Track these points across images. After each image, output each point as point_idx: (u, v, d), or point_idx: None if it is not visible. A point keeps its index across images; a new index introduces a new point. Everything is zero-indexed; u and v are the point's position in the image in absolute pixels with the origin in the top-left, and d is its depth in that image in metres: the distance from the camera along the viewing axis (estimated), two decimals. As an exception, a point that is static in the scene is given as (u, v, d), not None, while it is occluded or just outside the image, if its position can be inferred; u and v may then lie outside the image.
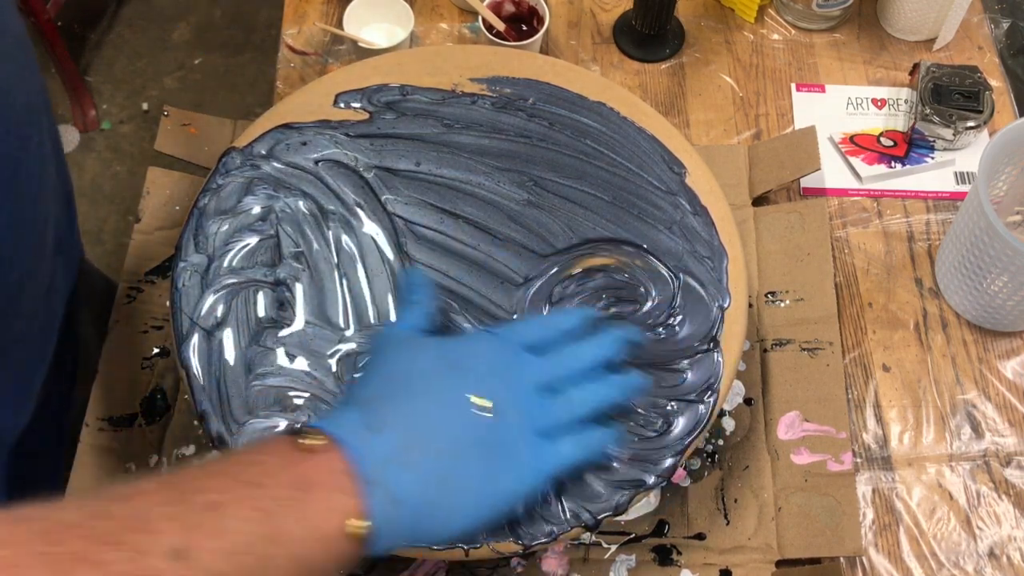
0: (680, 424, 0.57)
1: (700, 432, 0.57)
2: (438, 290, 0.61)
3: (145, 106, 1.87)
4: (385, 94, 0.68)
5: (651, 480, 0.55)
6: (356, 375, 0.56)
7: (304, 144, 0.66)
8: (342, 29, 0.87)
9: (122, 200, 1.76)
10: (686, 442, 0.56)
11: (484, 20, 0.85)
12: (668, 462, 0.56)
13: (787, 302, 0.74)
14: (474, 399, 0.47)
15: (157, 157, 0.81)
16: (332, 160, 0.65)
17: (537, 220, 0.63)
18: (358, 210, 0.64)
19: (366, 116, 0.67)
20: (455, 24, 0.92)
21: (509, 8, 0.88)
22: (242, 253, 0.62)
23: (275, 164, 0.65)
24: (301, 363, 0.58)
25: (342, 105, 0.67)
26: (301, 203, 0.64)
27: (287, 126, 0.66)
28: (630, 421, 0.57)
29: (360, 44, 0.85)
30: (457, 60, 0.70)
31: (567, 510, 0.54)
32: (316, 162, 0.65)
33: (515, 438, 0.48)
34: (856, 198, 0.83)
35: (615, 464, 0.56)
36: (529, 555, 0.64)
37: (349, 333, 0.59)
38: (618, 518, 0.65)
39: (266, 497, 0.40)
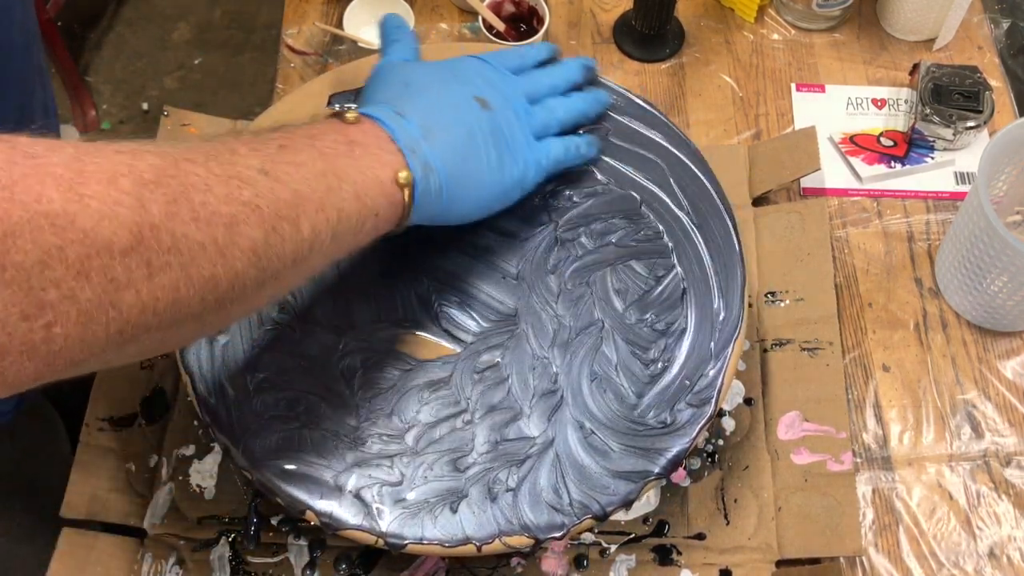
0: (685, 414, 0.57)
1: (705, 423, 0.57)
2: (442, 288, 0.61)
3: (145, 106, 1.87)
4: None
5: (657, 470, 0.56)
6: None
7: None
8: (342, 29, 0.87)
9: (122, 200, 1.76)
10: (692, 432, 0.57)
11: (484, 20, 0.85)
12: (674, 451, 0.56)
13: (787, 302, 0.74)
14: (476, 98, 0.56)
15: (157, 157, 0.80)
16: None
17: (537, 216, 0.63)
18: None
19: None
20: (455, 24, 0.92)
21: (509, 8, 0.88)
22: None
23: None
24: (305, 366, 0.58)
25: (336, 106, 0.67)
26: None
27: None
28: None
29: (360, 44, 0.85)
30: (449, 58, 0.70)
31: (576, 502, 0.55)
32: None
33: (514, 132, 0.57)
34: (856, 198, 0.83)
35: (613, 450, 0.56)
36: (529, 555, 0.64)
37: (352, 335, 0.59)
38: (618, 517, 0.65)
39: (324, 146, 0.47)
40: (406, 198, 0.49)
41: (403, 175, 0.49)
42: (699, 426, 0.57)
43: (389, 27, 0.62)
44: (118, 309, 0.36)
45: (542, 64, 0.64)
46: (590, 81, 0.66)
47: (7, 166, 0.33)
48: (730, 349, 0.59)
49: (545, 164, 0.60)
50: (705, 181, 0.65)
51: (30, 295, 0.33)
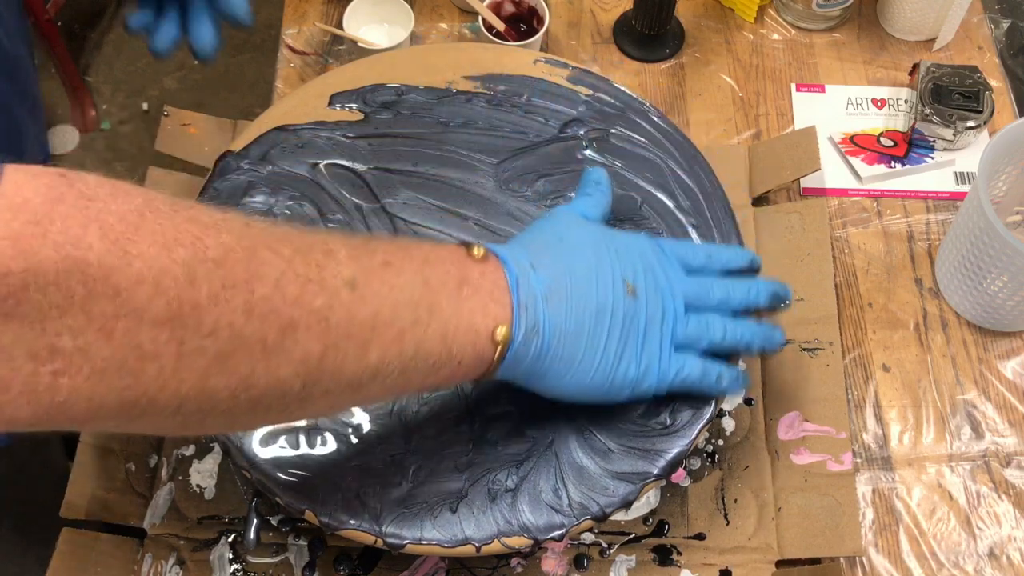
0: (685, 416, 0.57)
1: (705, 425, 0.57)
2: None
3: (145, 106, 1.87)
4: (380, 94, 0.68)
5: (656, 471, 0.56)
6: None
7: (300, 147, 0.66)
8: (342, 29, 0.87)
9: (122, 200, 1.76)
10: (692, 434, 0.57)
11: (484, 20, 0.85)
12: (674, 452, 0.56)
13: (787, 302, 0.73)
14: (625, 280, 0.50)
15: (157, 157, 0.80)
16: (329, 162, 0.65)
17: (539, 216, 0.64)
18: (357, 212, 0.64)
19: (361, 117, 0.67)
20: (455, 24, 0.92)
21: (509, 8, 0.88)
22: None
23: (272, 167, 0.65)
24: None
25: (337, 106, 0.67)
26: (300, 205, 0.64)
27: (282, 128, 0.66)
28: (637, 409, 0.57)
29: (360, 44, 0.85)
30: (450, 58, 0.70)
31: (575, 503, 0.55)
32: (313, 164, 0.65)
33: (652, 332, 0.51)
34: (856, 198, 0.83)
35: (613, 451, 0.56)
36: (529, 555, 0.64)
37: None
38: (618, 518, 0.65)
39: (432, 274, 0.44)
40: (496, 355, 0.45)
41: (502, 331, 0.45)
42: (698, 427, 0.57)
43: (588, 180, 0.57)
44: (136, 378, 0.34)
45: (732, 273, 0.57)
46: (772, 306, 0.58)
47: (50, 203, 0.31)
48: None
49: (671, 381, 0.53)
50: (706, 181, 0.65)
51: (42, 337, 0.31)
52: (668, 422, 0.57)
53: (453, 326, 0.43)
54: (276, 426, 0.56)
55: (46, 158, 0.65)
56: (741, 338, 0.55)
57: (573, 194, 0.64)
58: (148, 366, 0.34)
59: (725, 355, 0.56)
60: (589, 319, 0.48)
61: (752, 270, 0.58)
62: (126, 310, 0.32)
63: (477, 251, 0.46)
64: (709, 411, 0.57)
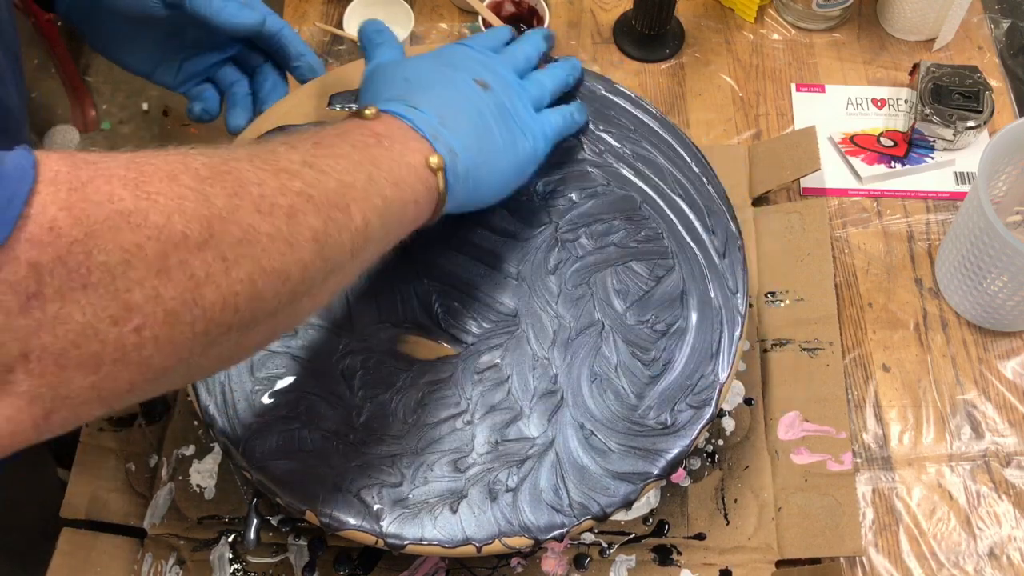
0: (685, 415, 0.57)
1: (705, 425, 0.57)
2: (443, 289, 0.61)
3: (145, 106, 1.87)
4: None
5: (656, 471, 0.56)
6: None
7: None
8: (342, 29, 0.87)
9: (122, 200, 1.76)
10: (692, 434, 0.57)
11: (484, 20, 0.85)
12: (674, 452, 0.56)
13: (787, 302, 0.74)
14: (476, 81, 0.56)
15: (157, 157, 0.80)
16: None
17: (538, 217, 0.63)
18: None
19: None
20: (455, 24, 0.92)
21: (509, 8, 0.88)
22: None
23: None
24: (306, 366, 0.58)
25: (337, 107, 0.67)
26: None
27: (282, 129, 0.66)
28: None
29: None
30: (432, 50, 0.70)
31: (575, 502, 0.55)
32: None
33: (517, 107, 0.58)
34: (856, 198, 0.83)
35: (613, 451, 0.56)
36: (529, 555, 0.64)
37: (352, 335, 0.59)
38: (618, 517, 0.65)
39: (355, 139, 0.47)
40: (440, 183, 0.50)
41: (434, 159, 0.49)
42: (699, 427, 0.57)
43: (370, 32, 0.62)
44: (201, 306, 0.36)
45: (509, 41, 0.65)
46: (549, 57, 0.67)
47: (73, 169, 0.33)
48: (731, 350, 0.59)
49: (550, 134, 0.61)
50: (705, 181, 0.65)
51: (117, 297, 0.33)
52: (668, 421, 0.57)
53: (397, 171, 0.47)
54: (275, 426, 0.56)
55: None
56: (560, 78, 0.64)
57: (574, 195, 0.64)
58: (207, 290, 0.36)
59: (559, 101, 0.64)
60: (478, 125, 0.54)
61: (512, 39, 0.65)
62: (171, 244, 0.34)
63: (368, 112, 0.50)
64: (709, 411, 0.58)
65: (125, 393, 0.35)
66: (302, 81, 0.69)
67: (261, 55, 0.70)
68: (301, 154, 0.43)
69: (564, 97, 0.66)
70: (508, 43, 0.65)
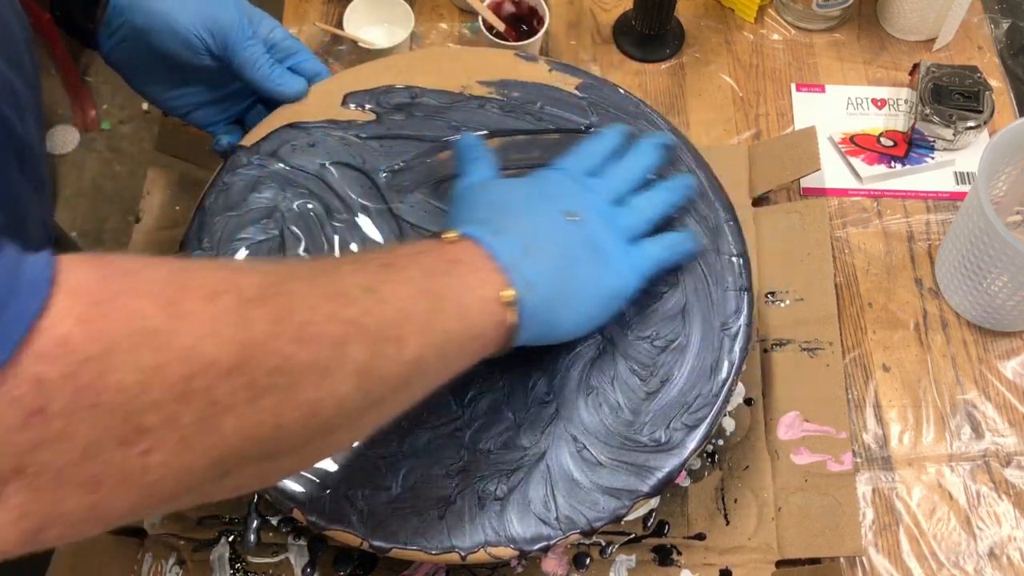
0: (679, 433, 0.57)
1: (700, 445, 0.57)
2: None
3: (145, 106, 1.87)
4: (394, 96, 0.68)
5: (646, 489, 0.55)
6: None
7: (312, 145, 0.66)
8: (342, 29, 0.87)
9: (122, 200, 1.76)
10: (685, 453, 0.56)
11: (484, 20, 0.85)
12: (666, 471, 0.56)
13: (787, 302, 0.74)
14: (564, 213, 0.54)
15: (157, 157, 0.80)
16: (339, 161, 0.65)
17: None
18: (363, 212, 0.64)
19: (373, 117, 0.67)
20: (455, 24, 0.92)
21: (509, 8, 0.88)
22: (247, 251, 0.62)
23: (281, 164, 0.65)
24: None
25: (352, 106, 0.67)
26: (307, 203, 0.64)
27: (294, 126, 0.66)
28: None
29: (360, 44, 0.85)
30: (466, 63, 0.70)
31: (563, 516, 0.54)
32: (323, 163, 0.65)
33: (608, 242, 0.55)
34: (856, 198, 0.83)
35: (604, 466, 0.56)
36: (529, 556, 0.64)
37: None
38: (618, 518, 0.65)
39: (427, 264, 0.46)
40: (511, 318, 0.47)
41: (507, 293, 0.47)
42: (692, 446, 0.56)
43: (466, 146, 0.60)
44: (219, 435, 0.34)
45: (617, 152, 0.61)
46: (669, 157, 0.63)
47: (100, 283, 0.32)
48: (730, 367, 0.59)
49: (645, 269, 0.57)
50: (705, 182, 0.65)
51: (128, 420, 0.31)
52: (663, 439, 0.57)
53: (466, 302, 0.45)
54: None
55: (49, 238, 0.65)
56: (665, 202, 0.60)
57: None
58: (227, 419, 0.34)
59: (664, 228, 0.60)
60: (563, 258, 0.51)
61: (625, 138, 0.62)
62: (198, 367, 0.33)
63: (449, 236, 0.49)
64: (704, 430, 0.57)
65: (126, 515, 0.34)
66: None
67: None
68: (367, 277, 0.42)
69: (674, 218, 0.62)
70: (619, 148, 0.61)
